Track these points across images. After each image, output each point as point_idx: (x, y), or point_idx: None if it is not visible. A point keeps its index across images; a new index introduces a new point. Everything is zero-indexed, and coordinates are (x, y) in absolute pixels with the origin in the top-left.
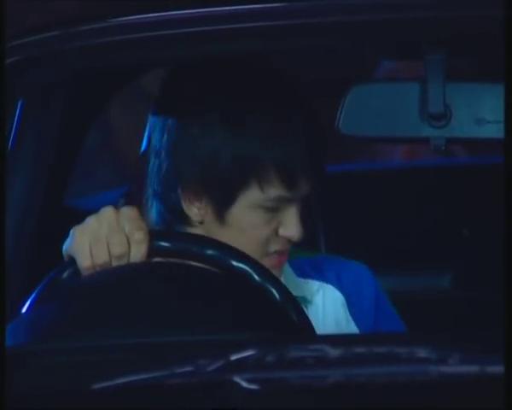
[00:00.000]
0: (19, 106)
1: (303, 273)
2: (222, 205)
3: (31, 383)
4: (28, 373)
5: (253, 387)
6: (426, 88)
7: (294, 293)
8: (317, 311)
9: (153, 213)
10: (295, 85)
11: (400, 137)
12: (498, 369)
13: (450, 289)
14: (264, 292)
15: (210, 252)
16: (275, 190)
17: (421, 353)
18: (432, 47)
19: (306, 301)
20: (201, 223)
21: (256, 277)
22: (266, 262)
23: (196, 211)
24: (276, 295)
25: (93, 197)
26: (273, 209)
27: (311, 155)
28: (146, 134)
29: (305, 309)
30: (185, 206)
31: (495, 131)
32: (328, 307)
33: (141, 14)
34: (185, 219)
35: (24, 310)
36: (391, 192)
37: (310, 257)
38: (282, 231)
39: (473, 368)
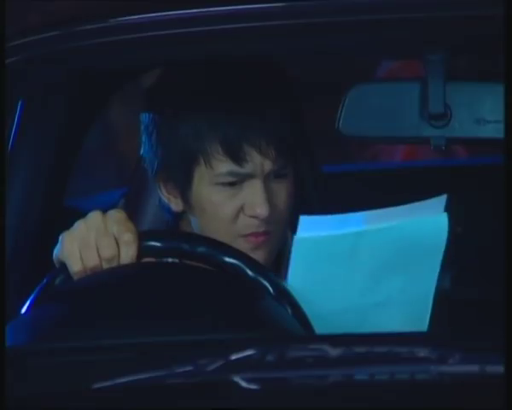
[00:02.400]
0: (19, 106)
1: None
2: (182, 187)
3: (31, 383)
4: (28, 373)
5: (253, 387)
6: (426, 88)
7: None
8: None
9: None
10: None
11: (400, 137)
12: (498, 369)
13: (450, 289)
14: (259, 287)
15: (201, 249)
16: (223, 165)
17: (422, 352)
18: (432, 47)
19: None
20: (184, 213)
21: (249, 272)
22: (242, 244)
23: (172, 199)
24: (271, 290)
25: (93, 197)
26: (231, 186)
27: (268, 129)
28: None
29: None
30: (163, 196)
31: (495, 131)
32: None
33: (141, 14)
34: (172, 213)
35: (22, 312)
36: (391, 192)
37: None
38: (247, 210)
39: (473, 368)
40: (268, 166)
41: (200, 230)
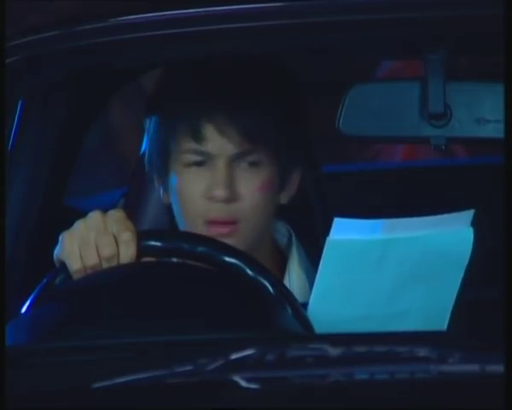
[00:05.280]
0: (19, 106)
1: None
2: (162, 174)
3: (31, 383)
4: (28, 373)
5: (253, 387)
6: (426, 87)
7: None
8: None
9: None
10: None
11: (400, 137)
12: (498, 368)
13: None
14: (259, 287)
15: (201, 249)
16: (187, 144)
17: (422, 352)
18: (432, 46)
19: None
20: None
21: (249, 272)
22: (206, 232)
23: (162, 191)
24: (270, 289)
25: (93, 197)
26: (198, 166)
27: (230, 111)
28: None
29: None
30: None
31: (495, 130)
32: None
33: (141, 14)
34: (171, 212)
35: (22, 312)
36: (391, 192)
37: None
38: (207, 192)
39: (473, 367)
40: (230, 149)
41: (176, 217)
